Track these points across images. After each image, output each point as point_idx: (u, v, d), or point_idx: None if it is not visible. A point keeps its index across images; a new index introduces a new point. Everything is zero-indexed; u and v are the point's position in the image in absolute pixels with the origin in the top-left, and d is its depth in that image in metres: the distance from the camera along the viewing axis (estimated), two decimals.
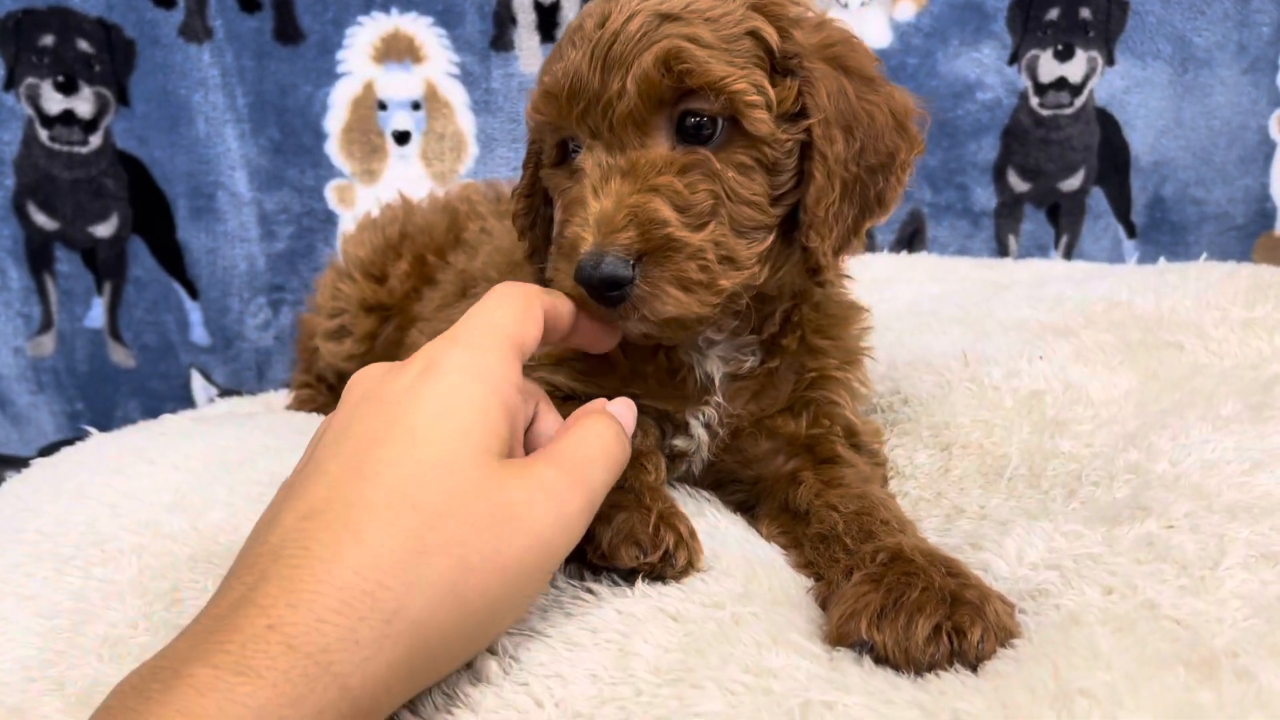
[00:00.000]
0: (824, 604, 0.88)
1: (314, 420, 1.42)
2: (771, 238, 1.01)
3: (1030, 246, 2.23)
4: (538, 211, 1.14)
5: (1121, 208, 2.22)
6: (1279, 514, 0.88)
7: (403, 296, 1.55)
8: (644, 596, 0.86)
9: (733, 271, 0.97)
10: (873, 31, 2.09)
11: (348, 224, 2.10)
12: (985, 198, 2.20)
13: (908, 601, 0.80)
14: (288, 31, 2.01)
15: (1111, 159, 2.19)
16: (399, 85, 2.06)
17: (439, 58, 2.05)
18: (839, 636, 0.81)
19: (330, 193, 2.10)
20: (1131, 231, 2.22)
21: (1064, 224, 2.22)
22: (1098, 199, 2.21)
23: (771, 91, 0.97)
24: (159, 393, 2.17)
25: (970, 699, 0.71)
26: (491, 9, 2.03)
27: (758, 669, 0.76)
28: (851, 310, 1.19)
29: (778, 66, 0.99)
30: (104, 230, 2.07)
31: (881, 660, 0.78)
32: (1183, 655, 0.73)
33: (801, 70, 0.99)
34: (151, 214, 2.07)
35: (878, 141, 1.02)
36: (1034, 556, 0.89)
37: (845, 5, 2.07)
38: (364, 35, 2.03)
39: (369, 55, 2.04)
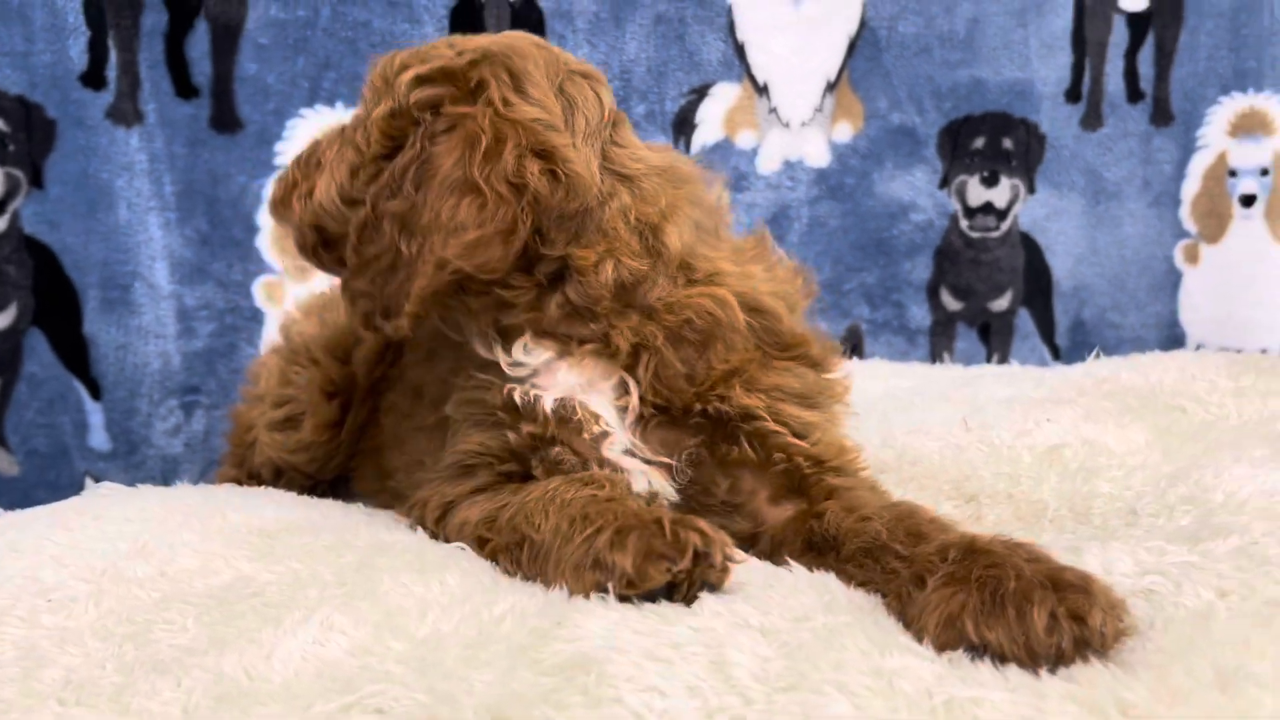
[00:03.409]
0: (901, 616, 0.80)
1: (279, 493, 1.27)
2: None
3: (964, 364, 2.26)
4: None
5: (1046, 330, 2.28)
6: None
7: (374, 371, 1.44)
8: (716, 615, 0.77)
9: None
10: (813, 151, 2.15)
11: (274, 324, 1.97)
12: (920, 315, 2.23)
13: (1008, 594, 0.72)
14: (225, 120, 1.93)
15: (1036, 281, 2.27)
16: None
17: None
18: (943, 644, 0.73)
19: (258, 289, 1.99)
20: (1056, 353, 2.28)
21: (995, 343, 2.27)
22: (1025, 320, 2.28)
23: None
24: (43, 503, 1.94)
25: (1132, 687, 0.64)
26: None
27: (877, 671, 0.68)
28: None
29: None
30: None
31: (999, 659, 0.70)
32: None
33: None
34: (56, 305, 1.91)
35: None
36: (1124, 568, 0.83)
37: (787, 125, 2.13)
38: (306, 128, 1.96)
39: None
